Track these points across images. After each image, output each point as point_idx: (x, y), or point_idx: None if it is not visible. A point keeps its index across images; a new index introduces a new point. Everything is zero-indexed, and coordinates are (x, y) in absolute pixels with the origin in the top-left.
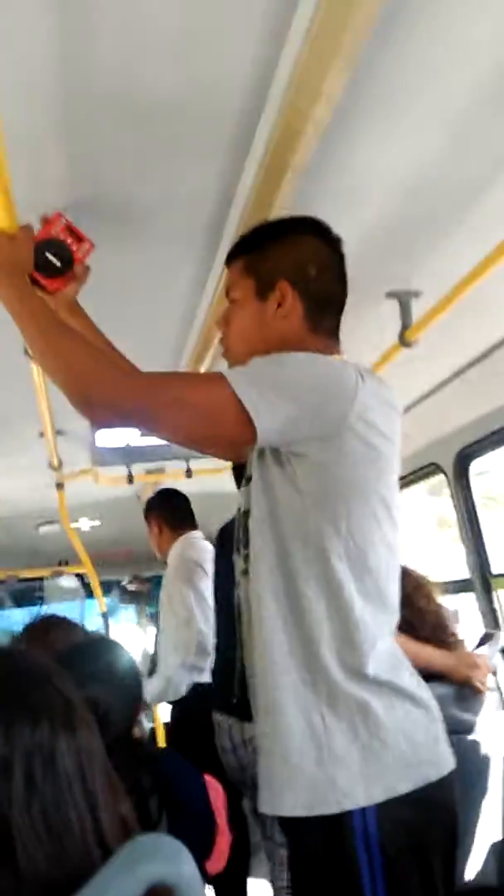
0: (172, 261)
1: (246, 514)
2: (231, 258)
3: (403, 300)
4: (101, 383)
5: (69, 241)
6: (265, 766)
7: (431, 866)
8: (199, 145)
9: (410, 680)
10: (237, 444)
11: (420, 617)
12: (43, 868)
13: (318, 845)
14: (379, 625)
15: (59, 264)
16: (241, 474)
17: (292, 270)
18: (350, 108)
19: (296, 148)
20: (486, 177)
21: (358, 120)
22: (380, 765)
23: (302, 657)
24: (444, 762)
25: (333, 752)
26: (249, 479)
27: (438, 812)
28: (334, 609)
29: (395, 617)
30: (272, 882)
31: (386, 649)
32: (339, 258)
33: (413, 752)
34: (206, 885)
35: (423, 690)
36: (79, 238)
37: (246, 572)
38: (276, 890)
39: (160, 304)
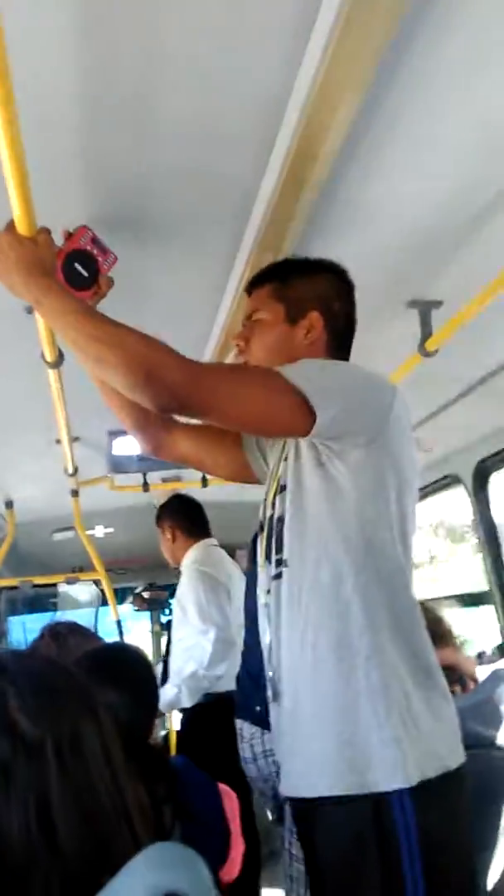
0: (192, 268)
1: (280, 520)
2: (255, 285)
3: (424, 310)
4: (164, 367)
5: (96, 252)
6: (298, 749)
7: (461, 857)
8: (218, 158)
9: (440, 670)
10: (292, 431)
11: None
12: (79, 845)
13: (349, 830)
14: (419, 611)
15: (86, 275)
16: None
17: (321, 303)
18: (368, 121)
19: (314, 161)
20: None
21: (376, 133)
22: (416, 749)
23: (353, 646)
24: (460, 754)
25: (378, 735)
26: (283, 488)
27: (460, 803)
28: (388, 597)
29: None
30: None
31: (427, 638)
32: (353, 299)
33: (440, 740)
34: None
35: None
36: (104, 250)
37: (279, 576)
38: None
39: (179, 310)
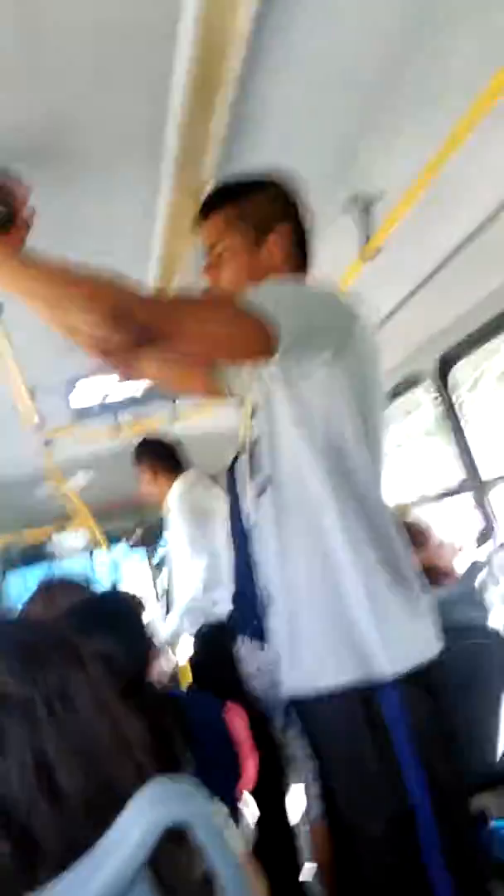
0: (118, 193)
1: (256, 441)
2: (208, 212)
3: (363, 208)
4: (128, 306)
5: (6, 185)
6: (298, 652)
7: (446, 733)
8: (122, 70)
9: (413, 571)
10: (256, 355)
11: None
12: (83, 788)
13: (346, 718)
14: (391, 517)
15: (4, 210)
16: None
17: (280, 218)
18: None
19: (222, 50)
20: (432, 64)
21: (293, 16)
22: (402, 642)
23: (336, 554)
24: (437, 645)
25: (370, 630)
26: (255, 410)
27: (440, 685)
28: (360, 506)
29: None
30: (306, 793)
31: (401, 542)
32: (303, 203)
33: (420, 634)
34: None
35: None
36: (13, 182)
37: (261, 494)
38: (310, 800)
39: (113, 239)
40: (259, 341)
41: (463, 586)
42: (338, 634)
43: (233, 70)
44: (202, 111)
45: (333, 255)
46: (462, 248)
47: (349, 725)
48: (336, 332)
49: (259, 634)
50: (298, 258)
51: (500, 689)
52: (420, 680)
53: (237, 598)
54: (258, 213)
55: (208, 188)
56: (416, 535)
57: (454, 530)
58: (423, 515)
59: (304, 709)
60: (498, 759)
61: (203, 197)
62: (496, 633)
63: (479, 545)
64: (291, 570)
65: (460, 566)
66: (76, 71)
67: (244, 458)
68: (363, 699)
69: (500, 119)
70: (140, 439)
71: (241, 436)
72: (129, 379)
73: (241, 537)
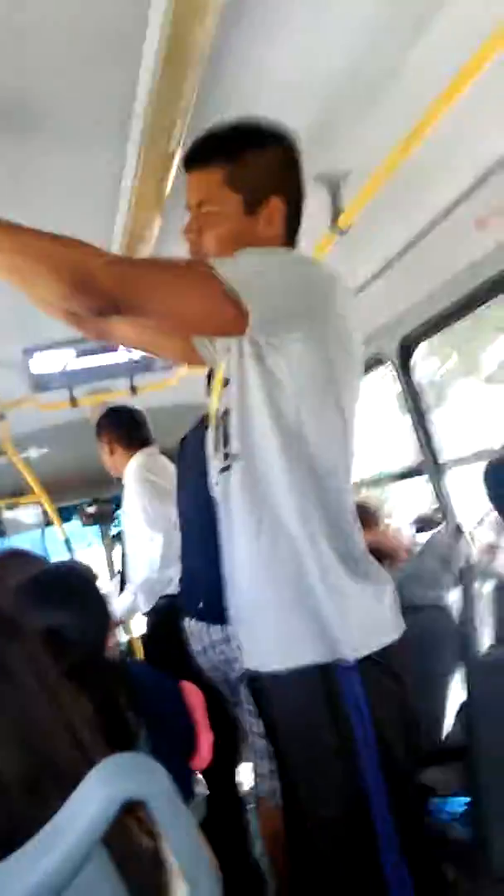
0: (84, 156)
1: (226, 413)
2: (200, 162)
3: (333, 184)
4: (93, 273)
5: None
6: (261, 631)
7: (404, 712)
8: (93, 32)
9: (369, 559)
10: (228, 331)
11: None
12: (20, 766)
13: (304, 698)
14: (351, 507)
15: None
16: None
17: (278, 185)
18: None
19: (195, 25)
20: (406, 41)
21: None
22: (359, 626)
23: (294, 537)
24: (400, 627)
25: (330, 613)
26: (227, 382)
27: (401, 667)
28: (320, 492)
29: None
30: (255, 769)
31: (358, 533)
32: (301, 167)
33: (380, 618)
34: (199, 777)
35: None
36: None
37: (227, 469)
38: (260, 776)
39: (78, 203)
40: (230, 317)
41: (413, 567)
42: (301, 615)
43: (205, 40)
44: (173, 79)
45: (303, 227)
46: (428, 231)
47: (308, 704)
48: (312, 311)
49: (204, 615)
50: (289, 233)
51: (447, 669)
52: (381, 662)
53: (183, 581)
54: (258, 177)
55: (175, 158)
56: (364, 516)
57: (405, 512)
58: (371, 497)
59: (263, 687)
60: (444, 736)
61: (186, 151)
62: (445, 614)
63: (431, 527)
64: (255, 549)
65: (409, 547)
66: (45, 28)
67: (211, 430)
68: (324, 679)
69: (473, 102)
70: (97, 412)
71: (210, 407)
72: (102, 340)
73: (201, 512)
